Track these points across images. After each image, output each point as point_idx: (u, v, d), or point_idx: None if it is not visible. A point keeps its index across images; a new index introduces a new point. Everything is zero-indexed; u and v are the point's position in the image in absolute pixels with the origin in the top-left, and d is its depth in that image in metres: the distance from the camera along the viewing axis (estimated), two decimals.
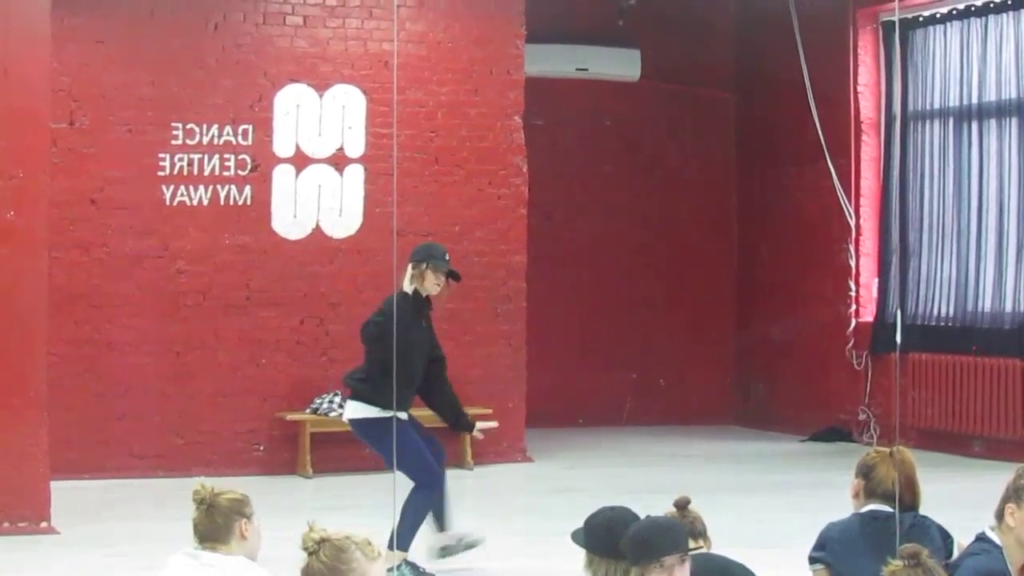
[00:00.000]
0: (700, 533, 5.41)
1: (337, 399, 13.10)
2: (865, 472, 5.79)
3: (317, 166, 13.58)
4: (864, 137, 15.50)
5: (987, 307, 14.21)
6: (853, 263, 15.54)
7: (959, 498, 9.28)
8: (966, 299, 14.41)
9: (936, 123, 14.87)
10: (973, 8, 14.34)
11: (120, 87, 12.98)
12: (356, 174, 13.67)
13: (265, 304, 13.40)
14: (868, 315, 15.48)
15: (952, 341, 14.47)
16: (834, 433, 15.58)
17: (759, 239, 17.01)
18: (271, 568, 5.42)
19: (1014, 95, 13.94)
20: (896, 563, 4.58)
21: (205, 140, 13.23)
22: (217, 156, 13.27)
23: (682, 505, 5.38)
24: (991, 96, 14.20)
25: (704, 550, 5.34)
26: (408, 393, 8.75)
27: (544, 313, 15.42)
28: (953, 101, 14.63)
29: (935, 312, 14.79)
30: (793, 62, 15.64)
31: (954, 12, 14.55)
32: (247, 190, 13.37)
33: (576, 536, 5.06)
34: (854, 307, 15.56)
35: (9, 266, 10.15)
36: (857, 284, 15.56)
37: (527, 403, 14.29)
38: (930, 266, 14.87)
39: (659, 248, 17.14)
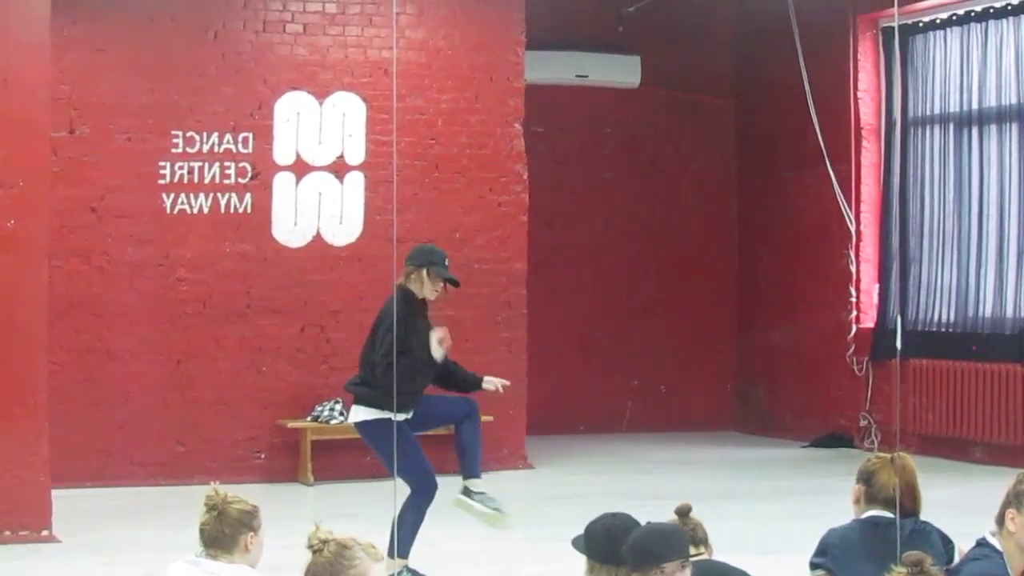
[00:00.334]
0: (701, 540, 5.40)
1: (338, 407, 13.10)
2: (866, 478, 5.78)
3: (317, 174, 13.59)
4: (864, 143, 15.50)
5: (988, 313, 14.20)
6: (854, 269, 15.54)
7: (960, 504, 9.27)
8: (967, 305, 14.40)
9: (936, 129, 14.87)
10: (973, 14, 14.34)
11: (120, 95, 12.99)
12: (356, 182, 13.68)
13: (266, 312, 13.40)
14: (869, 321, 15.48)
15: (953, 347, 14.47)
16: (835, 439, 15.58)
17: (759, 245, 17.01)
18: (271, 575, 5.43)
19: (1014, 100, 13.94)
20: (899, 570, 4.58)
21: (205, 148, 13.24)
22: (217, 164, 13.27)
23: (683, 512, 5.37)
24: (991, 101, 14.20)
25: (705, 557, 5.34)
26: (413, 388, 8.66)
27: (545, 320, 15.42)
28: (953, 107, 14.63)
29: (936, 318, 14.79)
30: (793, 68, 15.64)
31: (954, 17, 14.56)
32: (247, 198, 13.37)
33: (577, 543, 5.06)
34: (855, 313, 15.56)
35: (9, 275, 10.15)
36: (858, 290, 15.56)
37: (528, 410, 14.28)
38: (931, 272, 14.86)
39: (659, 255, 17.14)
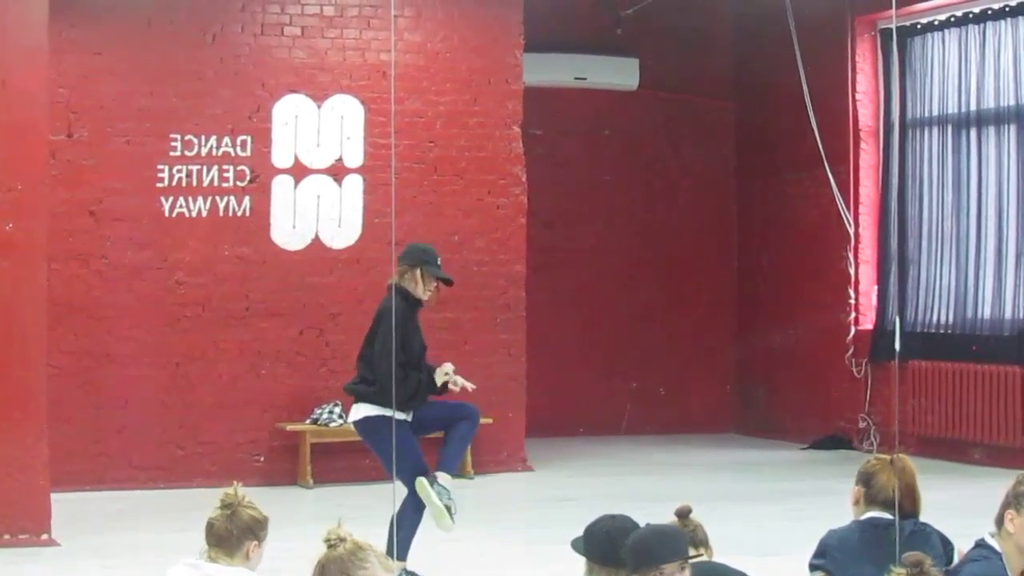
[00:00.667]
0: (701, 541, 5.40)
1: (338, 409, 13.10)
2: (865, 479, 5.78)
3: (316, 177, 13.59)
4: (863, 145, 15.50)
5: (986, 314, 14.20)
6: (852, 271, 15.54)
7: (959, 505, 9.27)
8: (965, 306, 14.40)
9: (935, 130, 14.87)
10: (971, 15, 14.35)
11: (118, 98, 12.99)
12: (355, 184, 13.67)
13: (265, 315, 13.40)
14: (868, 323, 15.48)
15: (952, 348, 14.47)
16: (834, 441, 15.58)
17: (759, 247, 17.02)
18: None
19: (1012, 102, 13.94)
20: (899, 571, 4.58)
21: (204, 151, 13.24)
22: (216, 167, 13.27)
23: (683, 514, 5.38)
24: (989, 103, 14.20)
25: (705, 558, 5.34)
26: (409, 387, 8.67)
27: (544, 322, 15.43)
28: (951, 108, 14.63)
29: (934, 319, 14.79)
30: (792, 70, 15.65)
31: (952, 19, 14.56)
32: (246, 201, 13.37)
33: (576, 544, 5.06)
34: (853, 315, 15.56)
35: (8, 278, 10.15)
36: (856, 292, 15.56)
37: (527, 412, 14.28)
38: (929, 273, 14.87)
39: (659, 257, 17.15)
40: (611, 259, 16.90)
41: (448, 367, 8.92)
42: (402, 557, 8.54)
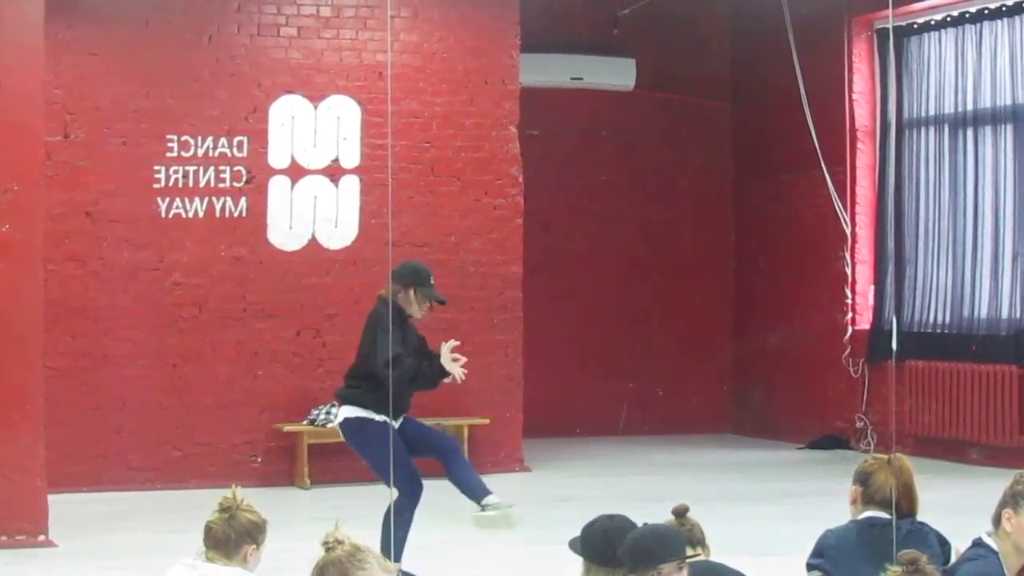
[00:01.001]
0: (699, 541, 5.40)
1: (334, 410, 13.06)
2: (863, 479, 5.78)
3: (312, 177, 13.58)
4: (859, 145, 15.50)
5: (983, 314, 14.21)
6: (849, 271, 15.54)
7: (956, 505, 9.27)
8: (962, 306, 14.41)
9: (931, 130, 14.88)
10: (967, 15, 14.35)
11: (115, 99, 12.99)
12: (351, 185, 13.67)
13: (261, 316, 13.40)
14: (864, 323, 15.48)
15: (949, 348, 14.47)
16: (831, 441, 15.58)
17: (755, 248, 17.02)
18: None
19: (1009, 102, 13.94)
20: (895, 569, 4.58)
21: (200, 152, 13.23)
22: (212, 168, 13.27)
23: (680, 513, 5.38)
24: (986, 103, 14.20)
25: (702, 558, 5.34)
26: (407, 370, 8.66)
27: (541, 323, 15.42)
28: (948, 108, 14.63)
29: (931, 319, 14.79)
30: (788, 70, 15.65)
31: (948, 19, 14.57)
32: (243, 202, 13.37)
33: (573, 544, 5.05)
34: (850, 315, 15.56)
35: (5, 280, 10.15)
36: (853, 292, 15.56)
37: (524, 413, 14.27)
38: (926, 273, 14.87)
39: (656, 257, 17.15)
40: (608, 260, 16.90)
41: (453, 343, 8.85)
42: (397, 559, 8.54)
